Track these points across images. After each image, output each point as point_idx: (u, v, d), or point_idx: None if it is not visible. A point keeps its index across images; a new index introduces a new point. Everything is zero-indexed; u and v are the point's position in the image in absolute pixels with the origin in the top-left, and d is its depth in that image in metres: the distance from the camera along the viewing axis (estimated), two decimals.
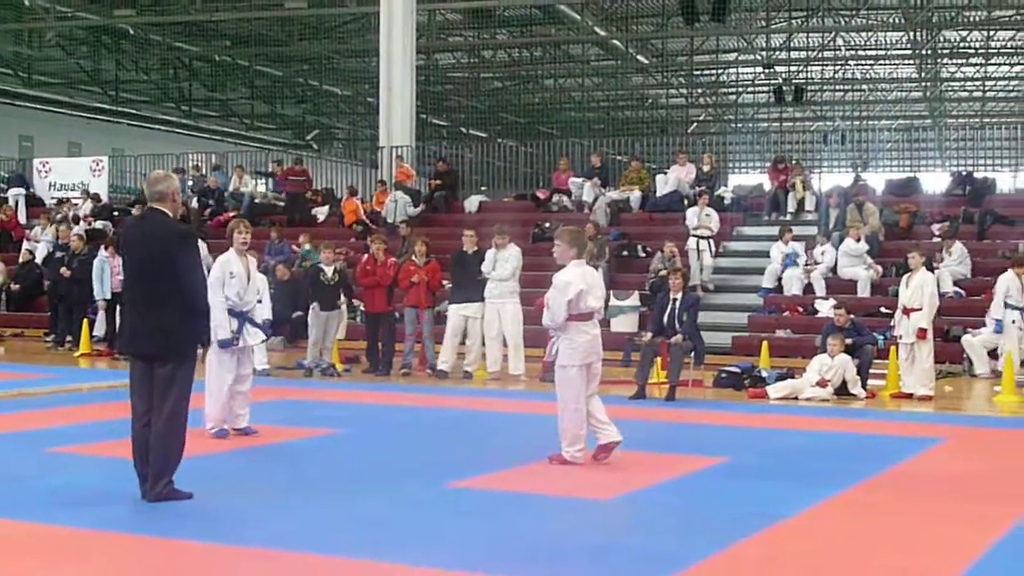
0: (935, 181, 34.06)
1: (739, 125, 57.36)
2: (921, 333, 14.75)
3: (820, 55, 43.16)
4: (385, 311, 17.20)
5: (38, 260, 24.58)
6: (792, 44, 42.81)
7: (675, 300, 15.01)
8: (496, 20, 39.56)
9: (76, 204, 28.73)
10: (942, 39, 42.16)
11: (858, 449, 10.99)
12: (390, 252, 18.03)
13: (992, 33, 40.97)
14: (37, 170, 32.44)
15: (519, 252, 16.92)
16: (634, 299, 20.40)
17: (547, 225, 23.99)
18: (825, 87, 50.30)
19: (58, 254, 22.35)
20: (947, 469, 9.96)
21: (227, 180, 28.89)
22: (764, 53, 43.56)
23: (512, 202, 27.77)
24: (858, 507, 8.20)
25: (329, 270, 16.82)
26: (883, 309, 18.91)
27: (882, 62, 45.71)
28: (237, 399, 10.89)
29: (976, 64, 46.15)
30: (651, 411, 13.34)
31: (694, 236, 21.98)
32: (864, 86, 51.19)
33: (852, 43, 43.65)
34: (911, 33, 40.11)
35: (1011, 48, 42.89)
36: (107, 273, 19.53)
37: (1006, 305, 16.84)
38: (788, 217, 23.91)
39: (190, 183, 28.69)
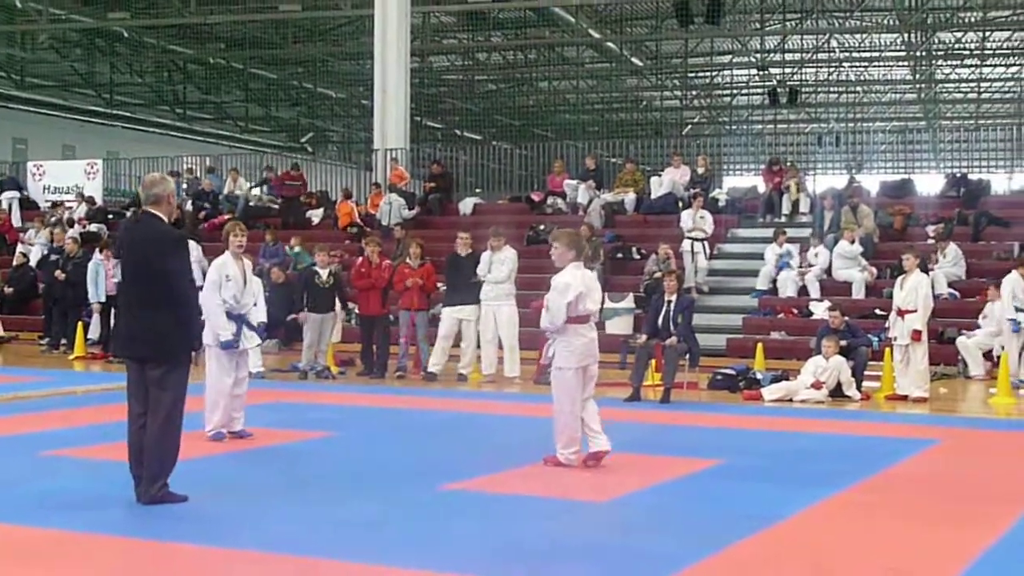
0: (930, 183, 34.09)
1: (734, 127, 57.40)
2: (915, 335, 14.77)
3: (814, 57, 43.19)
4: (380, 314, 17.20)
5: (32, 263, 24.54)
6: (786, 46, 42.85)
7: (670, 302, 15.01)
8: (490, 23, 39.57)
9: (70, 207, 28.68)
10: (937, 40, 42.20)
11: (853, 451, 11.01)
12: (385, 255, 18.03)
13: (987, 34, 41.02)
14: (31, 173, 32.38)
15: (515, 254, 16.93)
16: (629, 301, 20.42)
17: (542, 227, 23.97)
18: (819, 89, 50.36)
19: (53, 257, 22.35)
20: (942, 471, 9.98)
21: (222, 183, 28.87)
22: (758, 55, 43.61)
23: (507, 204, 27.76)
24: (853, 509, 8.21)
25: (324, 273, 16.81)
26: (878, 311, 18.93)
27: (876, 64, 45.78)
28: (233, 402, 10.90)
29: (971, 66, 46.20)
30: (646, 413, 13.36)
31: (689, 238, 21.98)
32: (858, 88, 51.26)
33: (846, 45, 43.72)
34: (905, 35, 40.15)
35: (1006, 49, 42.92)
36: (102, 276, 19.51)
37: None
38: (783, 219, 23.90)
39: (184, 186, 28.67)
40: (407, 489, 8.66)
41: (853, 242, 21.06)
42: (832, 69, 46.77)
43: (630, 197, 25.17)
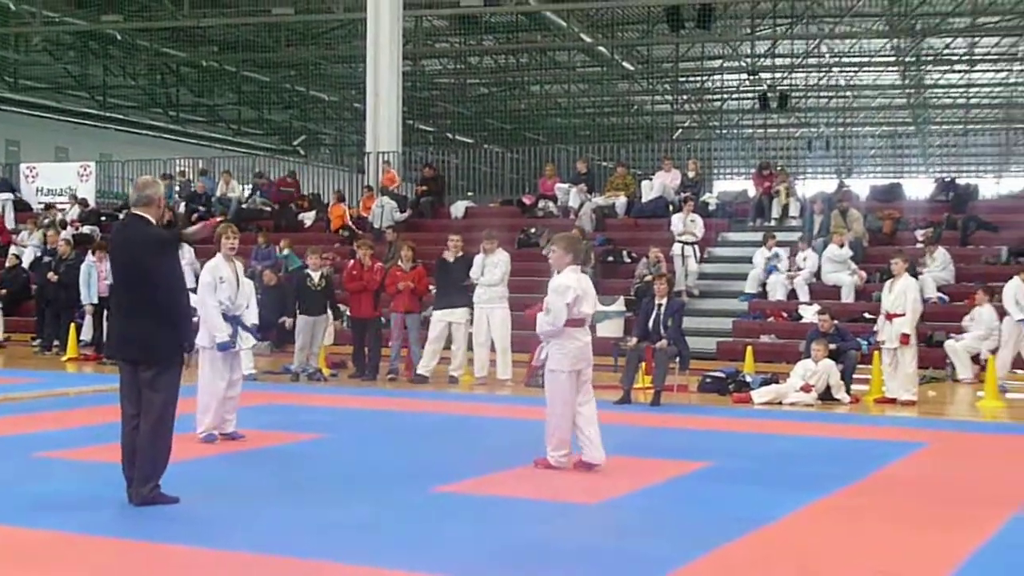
0: (919, 187, 34.12)
1: (724, 131, 57.41)
2: (904, 338, 14.80)
3: (804, 62, 43.24)
4: (371, 316, 17.19)
5: (25, 265, 24.50)
6: (777, 51, 42.86)
7: (660, 305, 15.03)
8: (482, 26, 39.56)
9: (63, 209, 28.63)
10: (926, 46, 42.29)
11: (842, 454, 11.03)
12: (376, 257, 18.03)
13: (976, 40, 41.10)
14: (24, 175, 32.32)
15: (507, 258, 16.93)
16: (619, 304, 20.40)
17: (533, 231, 24.02)
18: (809, 94, 50.42)
19: (45, 259, 22.33)
20: (930, 474, 10.01)
21: (214, 185, 28.86)
22: (749, 60, 43.60)
23: (498, 208, 27.77)
24: (842, 511, 8.23)
25: (316, 276, 16.79)
26: (867, 315, 18.96)
27: (866, 69, 45.84)
28: (226, 404, 10.89)
29: (960, 71, 46.28)
30: (636, 416, 13.37)
31: (679, 242, 21.99)
32: (848, 93, 51.32)
33: (836, 50, 43.76)
34: (895, 40, 40.25)
35: (995, 55, 43.00)
36: (94, 278, 19.47)
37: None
38: (773, 223, 23.93)
39: (177, 188, 28.64)
40: (399, 491, 8.66)
41: (842, 246, 21.09)
42: (822, 74, 46.82)
43: (621, 201, 25.20)
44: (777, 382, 15.35)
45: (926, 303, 17.70)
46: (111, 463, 8.18)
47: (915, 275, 17.26)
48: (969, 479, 9.70)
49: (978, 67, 45.45)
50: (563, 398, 9.44)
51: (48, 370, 18.29)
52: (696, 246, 22.22)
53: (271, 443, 11.14)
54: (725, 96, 52.22)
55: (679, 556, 6.70)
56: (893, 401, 14.84)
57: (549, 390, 9.58)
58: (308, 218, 27.13)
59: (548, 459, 9.53)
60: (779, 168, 26.69)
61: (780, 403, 14.67)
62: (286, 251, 22.15)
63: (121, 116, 46.63)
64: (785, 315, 20.54)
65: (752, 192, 25.70)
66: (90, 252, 20.01)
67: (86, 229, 26.50)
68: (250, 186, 29.53)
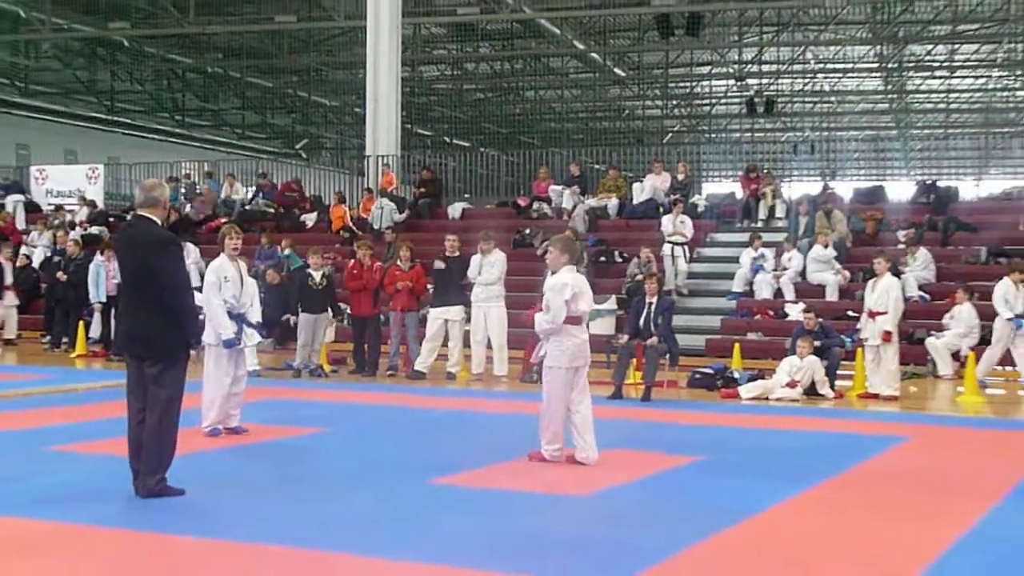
0: (900, 190, 33.98)
1: (712, 136, 57.45)
2: (886, 336, 14.81)
3: (790, 68, 43.26)
4: (371, 314, 17.18)
5: (35, 264, 24.46)
6: (763, 58, 42.89)
7: (651, 304, 15.03)
8: (479, 34, 39.58)
9: (72, 210, 28.58)
10: (908, 53, 42.32)
11: (826, 447, 11.02)
12: (376, 257, 18.02)
13: (956, 47, 41.13)
14: (34, 177, 32.24)
15: (504, 257, 16.94)
16: (611, 303, 20.41)
17: (527, 231, 24.02)
18: (795, 99, 50.40)
19: (55, 259, 22.27)
20: (911, 466, 10.00)
21: (219, 187, 28.81)
22: (736, 66, 43.65)
23: (494, 209, 27.74)
24: (827, 503, 8.24)
25: (317, 275, 16.78)
26: (850, 313, 18.94)
27: (850, 75, 45.82)
28: (231, 400, 10.88)
29: (940, 77, 46.33)
30: (627, 411, 13.36)
31: (669, 242, 21.99)
32: (832, 98, 51.34)
33: (821, 57, 43.79)
34: (878, 47, 40.27)
35: (974, 61, 43.04)
36: (102, 277, 19.44)
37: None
38: (759, 224, 23.94)
39: (183, 191, 28.60)
40: (398, 483, 8.66)
41: (827, 246, 21.10)
42: (807, 80, 46.83)
43: (613, 202, 25.18)
44: (764, 378, 15.37)
45: (908, 302, 17.71)
46: (118, 456, 8.17)
47: (897, 274, 17.26)
48: (949, 472, 9.71)
49: (958, 73, 45.51)
50: (558, 394, 9.42)
51: (58, 366, 18.26)
52: (685, 246, 22.21)
53: (274, 437, 11.13)
54: (713, 101, 52.24)
55: (669, 546, 6.70)
56: (876, 396, 14.85)
57: (546, 386, 9.57)
58: (310, 219, 27.10)
59: (542, 452, 9.53)
60: (765, 171, 26.68)
61: (767, 398, 14.69)
62: (287, 251, 22.13)
63: (128, 120, 46.60)
64: (771, 313, 20.55)
65: (739, 194, 25.69)
66: (98, 252, 19.97)
67: (94, 230, 26.44)
68: (256, 189, 29.48)
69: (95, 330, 20.26)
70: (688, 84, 49.44)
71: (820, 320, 15.89)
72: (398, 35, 28.03)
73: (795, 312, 19.11)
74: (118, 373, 8.42)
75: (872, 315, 14.97)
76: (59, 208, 28.89)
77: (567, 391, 9.44)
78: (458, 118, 51.61)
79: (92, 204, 29.07)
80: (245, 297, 11.12)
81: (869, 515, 7.75)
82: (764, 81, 45.46)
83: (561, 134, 54.64)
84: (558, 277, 9.59)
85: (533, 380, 14.75)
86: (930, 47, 41.42)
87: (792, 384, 14.71)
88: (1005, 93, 48.96)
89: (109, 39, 39.12)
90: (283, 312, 18.23)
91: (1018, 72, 43.96)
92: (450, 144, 51.66)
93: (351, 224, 25.58)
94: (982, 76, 46.49)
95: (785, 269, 21.27)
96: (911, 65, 44.03)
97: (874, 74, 45.17)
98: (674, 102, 51.59)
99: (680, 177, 25.50)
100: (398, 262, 17.26)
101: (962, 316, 17.75)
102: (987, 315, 17.82)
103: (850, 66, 43.77)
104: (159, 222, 8.12)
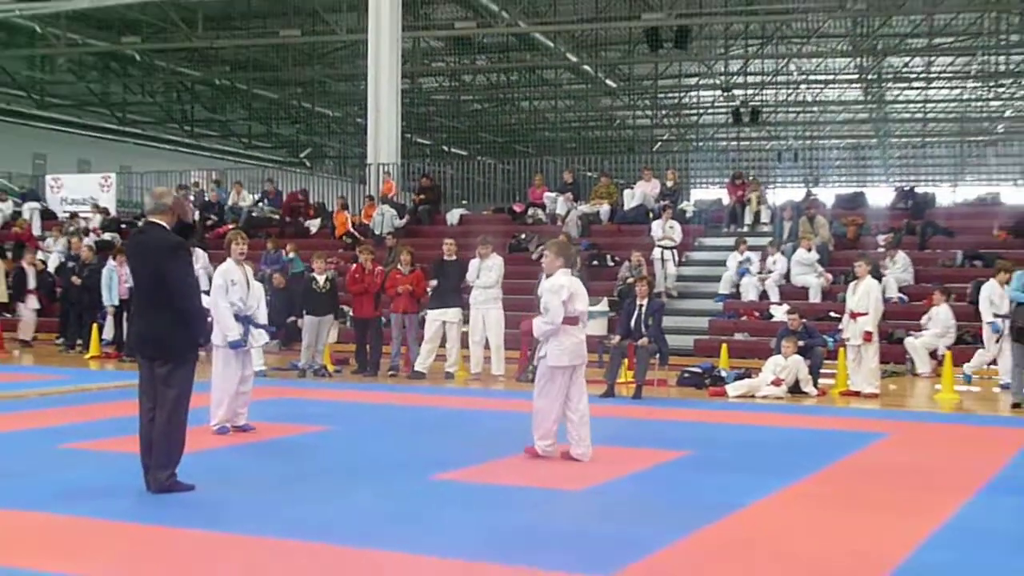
0: (880, 195, 34.13)
1: (700, 144, 57.44)
2: (867, 336, 14.81)
3: (774, 80, 43.29)
4: (372, 316, 17.17)
5: (51, 269, 24.44)
6: (748, 69, 42.91)
7: (641, 306, 15.03)
8: (476, 47, 39.56)
9: (86, 217, 28.56)
10: (886, 64, 42.35)
11: (810, 443, 11.03)
12: (377, 261, 18.01)
13: (932, 59, 41.18)
14: (50, 186, 32.24)
15: (501, 261, 16.93)
16: (603, 305, 20.39)
17: (523, 236, 24.05)
18: (779, 109, 50.43)
19: (69, 264, 22.26)
20: (891, 461, 10.00)
21: (227, 195, 28.80)
22: (723, 78, 43.70)
23: (491, 215, 27.72)
24: (811, 497, 8.23)
25: (321, 279, 16.77)
26: (832, 314, 18.97)
27: (831, 86, 45.87)
28: (239, 399, 10.88)
29: (918, 87, 46.37)
30: (619, 408, 13.36)
31: (659, 247, 22.00)
32: (815, 108, 51.35)
33: (804, 68, 43.79)
34: (858, 59, 40.30)
35: (950, 73, 43.09)
36: (115, 281, 19.44)
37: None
38: (745, 229, 23.97)
39: (192, 198, 28.57)
40: (400, 479, 8.65)
41: (810, 250, 21.11)
42: (791, 91, 46.85)
43: (605, 208, 25.19)
44: (750, 376, 15.37)
45: (887, 303, 17.73)
46: (130, 453, 8.16)
47: (877, 277, 17.27)
48: (927, 466, 9.71)
49: (934, 84, 45.57)
50: (553, 392, 9.41)
51: (72, 367, 18.24)
52: (674, 250, 22.23)
53: (280, 435, 11.12)
54: (701, 111, 52.24)
55: (661, 538, 6.69)
56: (857, 394, 14.85)
57: (540, 383, 9.55)
58: (314, 225, 27.09)
59: (536, 447, 9.52)
60: (751, 178, 26.73)
61: (753, 396, 14.69)
62: (291, 255, 22.12)
63: (140, 131, 46.56)
64: (757, 314, 20.56)
65: (726, 200, 25.71)
66: (111, 257, 19.96)
67: (107, 236, 26.43)
68: (262, 194, 29.47)
69: (108, 332, 20.25)
70: (677, 95, 49.45)
71: (804, 321, 15.89)
72: (398, 48, 28.02)
73: (780, 313, 19.11)
74: (130, 373, 8.41)
75: (853, 316, 14.97)
76: (74, 215, 28.88)
77: (562, 390, 9.42)
78: (456, 128, 51.61)
79: (105, 211, 29.06)
80: (252, 300, 11.12)
81: (851, 508, 7.75)
82: (749, 92, 45.48)
83: (555, 143, 54.63)
84: (554, 279, 9.58)
85: (529, 379, 14.74)
86: (908, 59, 41.45)
87: (777, 382, 14.71)
88: (979, 103, 48.98)
89: (121, 53, 39.12)
90: (288, 314, 18.22)
91: (991, 83, 44.04)
92: (448, 153, 51.63)
93: (353, 230, 25.58)
94: (957, 87, 46.53)
95: (770, 272, 21.29)
96: (890, 76, 44.08)
97: (854, 85, 45.23)
98: (663, 112, 51.57)
99: (669, 184, 25.52)
100: (399, 266, 17.24)
101: (939, 317, 17.77)
102: (963, 316, 17.87)
103: (831, 77, 43.80)
104: (168, 228, 8.11)
